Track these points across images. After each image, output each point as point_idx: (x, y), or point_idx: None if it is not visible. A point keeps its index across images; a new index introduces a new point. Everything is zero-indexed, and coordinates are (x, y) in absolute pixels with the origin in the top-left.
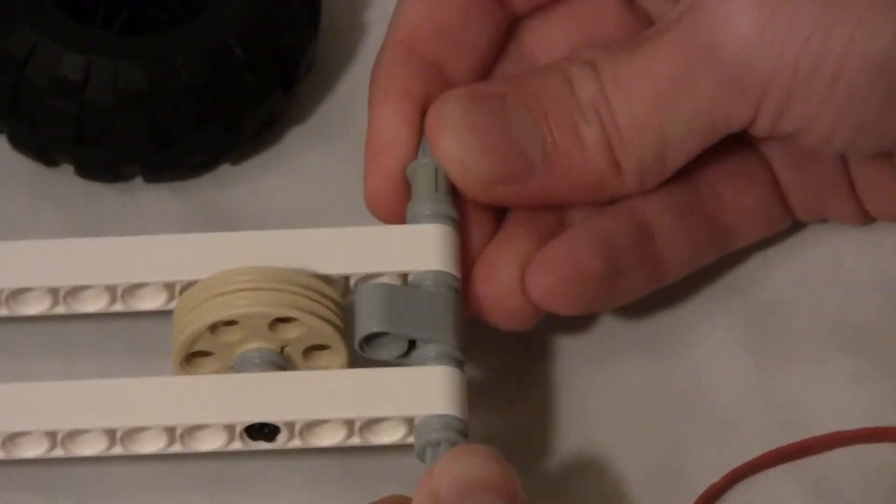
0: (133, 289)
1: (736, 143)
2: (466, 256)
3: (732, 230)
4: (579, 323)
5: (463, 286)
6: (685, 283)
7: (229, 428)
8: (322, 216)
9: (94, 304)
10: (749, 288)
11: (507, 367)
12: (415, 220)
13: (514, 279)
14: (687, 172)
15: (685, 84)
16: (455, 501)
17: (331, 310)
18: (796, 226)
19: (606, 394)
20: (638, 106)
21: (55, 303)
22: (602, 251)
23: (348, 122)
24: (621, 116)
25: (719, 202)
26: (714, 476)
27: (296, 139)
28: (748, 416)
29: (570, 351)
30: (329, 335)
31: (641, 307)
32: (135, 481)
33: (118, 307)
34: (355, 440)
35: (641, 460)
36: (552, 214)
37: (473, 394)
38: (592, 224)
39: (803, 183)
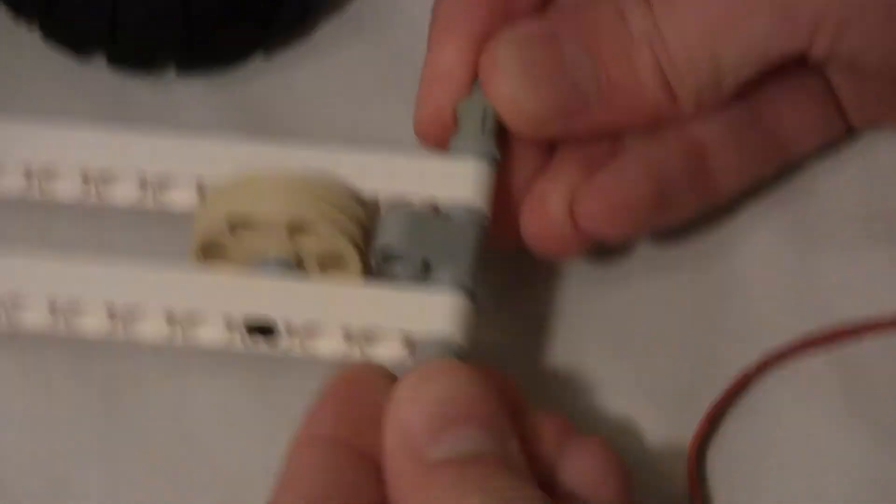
0: (164, 183)
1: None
2: (517, 191)
3: (789, 143)
4: None
5: (512, 219)
6: None
7: (229, 323)
8: (353, 109)
9: (124, 195)
10: (784, 179)
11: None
12: (456, 154)
13: (563, 209)
14: (742, 90)
15: (737, 16)
16: (430, 439)
17: (351, 226)
18: None
19: (641, 287)
20: (691, 39)
21: (86, 186)
22: (651, 177)
23: (382, 18)
24: (675, 49)
25: (776, 115)
26: (748, 360)
27: (330, 33)
28: (782, 303)
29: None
30: (345, 250)
31: None
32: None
33: (149, 202)
34: (355, 352)
35: (675, 348)
36: (604, 143)
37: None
38: (642, 150)
39: (859, 92)
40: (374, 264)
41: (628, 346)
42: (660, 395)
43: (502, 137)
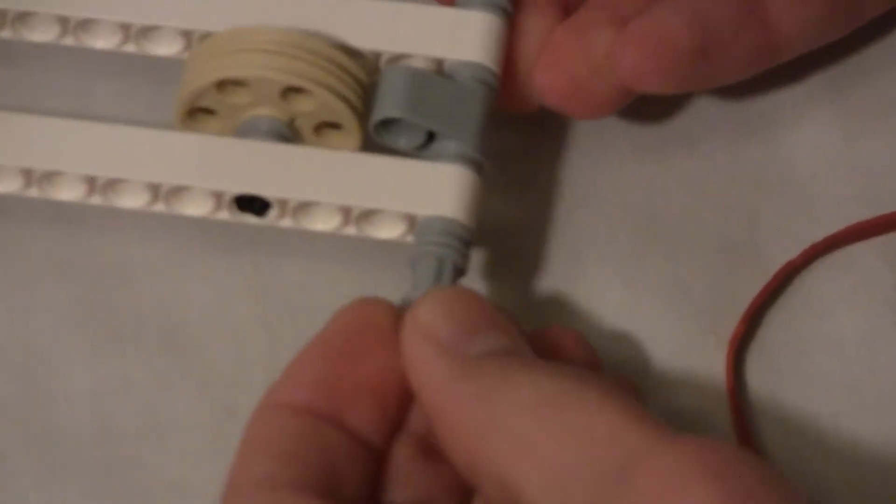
0: (147, 31)
1: None
2: (530, 48)
3: None
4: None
5: (523, 80)
6: None
7: (217, 195)
8: None
9: (105, 40)
10: (835, 56)
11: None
12: (464, 5)
13: (594, 58)
14: None
15: None
16: (465, 341)
17: (350, 87)
18: None
19: (674, 165)
20: None
21: (64, 32)
22: (696, 21)
23: None
24: None
25: None
26: (791, 252)
27: None
28: (828, 189)
29: (640, 127)
30: (343, 114)
31: None
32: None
33: (130, 48)
34: (350, 230)
35: (714, 235)
36: None
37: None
38: None
39: None
40: (373, 132)
41: (660, 231)
42: (695, 289)
43: None
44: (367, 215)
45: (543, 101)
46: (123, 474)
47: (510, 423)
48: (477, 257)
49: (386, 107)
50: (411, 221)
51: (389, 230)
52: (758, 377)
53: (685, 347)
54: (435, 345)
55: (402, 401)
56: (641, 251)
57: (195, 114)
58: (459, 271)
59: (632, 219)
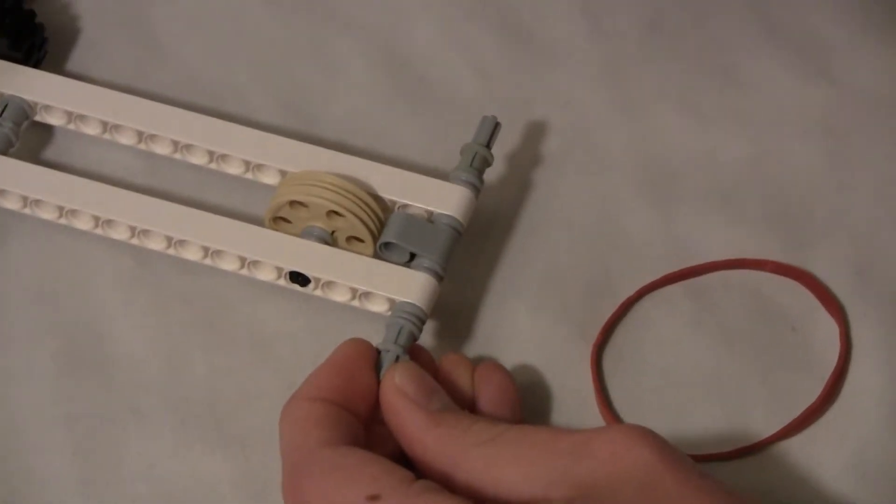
0: (260, 167)
1: None
2: None
3: None
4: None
5: None
6: None
7: (279, 269)
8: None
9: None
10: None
11: None
12: (451, 180)
13: None
14: None
15: None
16: (425, 400)
17: (370, 217)
18: None
19: (560, 244)
20: None
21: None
22: None
23: None
24: None
25: None
26: (630, 290)
27: None
28: (654, 250)
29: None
30: (363, 233)
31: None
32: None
33: (249, 176)
34: (356, 303)
35: (580, 278)
36: None
37: None
38: None
39: None
40: (379, 249)
41: (553, 286)
42: (571, 315)
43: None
44: (367, 295)
45: None
46: None
47: (475, 451)
48: (431, 326)
49: (387, 234)
50: (392, 302)
51: (378, 306)
52: (611, 368)
53: (565, 350)
54: (407, 399)
55: (376, 399)
56: (541, 294)
57: (277, 220)
58: (413, 336)
59: (534, 281)
